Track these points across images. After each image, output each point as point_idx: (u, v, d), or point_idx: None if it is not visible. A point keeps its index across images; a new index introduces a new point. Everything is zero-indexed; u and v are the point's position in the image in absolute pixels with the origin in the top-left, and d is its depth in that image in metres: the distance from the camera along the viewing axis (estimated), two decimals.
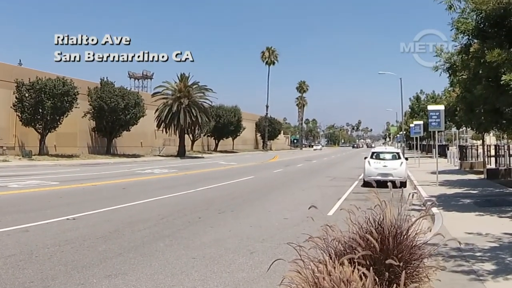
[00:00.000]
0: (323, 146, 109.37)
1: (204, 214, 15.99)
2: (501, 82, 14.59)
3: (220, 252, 10.51)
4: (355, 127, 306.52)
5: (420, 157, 53.32)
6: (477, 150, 41.61)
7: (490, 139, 64.89)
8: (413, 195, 7.47)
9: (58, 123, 52.89)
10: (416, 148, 73.20)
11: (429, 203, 7.68)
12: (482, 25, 16.85)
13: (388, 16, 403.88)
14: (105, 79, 62.49)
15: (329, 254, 6.19)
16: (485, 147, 37.80)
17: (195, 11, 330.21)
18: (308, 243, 6.24)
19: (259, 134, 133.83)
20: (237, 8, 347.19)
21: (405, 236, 6.48)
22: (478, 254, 9.74)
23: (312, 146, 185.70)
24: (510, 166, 29.01)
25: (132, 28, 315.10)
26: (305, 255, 5.89)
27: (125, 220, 14.58)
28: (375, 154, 28.10)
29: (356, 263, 5.60)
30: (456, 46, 18.89)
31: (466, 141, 72.60)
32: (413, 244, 6.46)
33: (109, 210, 16.45)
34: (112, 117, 60.25)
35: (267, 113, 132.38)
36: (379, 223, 6.56)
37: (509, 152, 31.13)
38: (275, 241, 11.66)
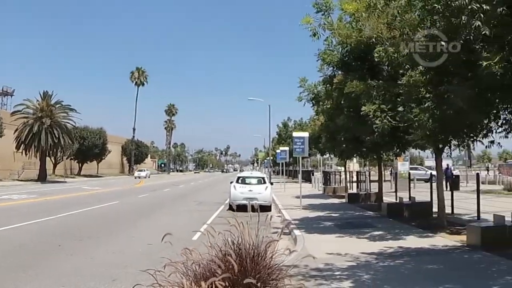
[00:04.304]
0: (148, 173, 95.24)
1: (65, 242, 15.30)
2: (361, 113, 15.52)
3: (81, 281, 10.20)
4: (224, 152, 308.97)
5: (286, 182, 54.66)
6: (340, 175, 43.39)
7: (354, 165, 67.92)
8: (271, 217, 7.72)
9: None
10: (283, 174, 75.09)
11: (283, 225, 7.99)
12: (346, 58, 17.84)
13: (261, 43, 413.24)
14: None
15: (190, 278, 6.30)
16: (347, 173, 39.65)
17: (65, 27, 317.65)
18: (172, 268, 6.29)
19: (125, 158, 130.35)
20: (108, 26, 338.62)
21: (263, 257, 6.72)
22: (337, 273, 10.27)
23: (182, 171, 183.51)
24: (370, 191, 30.60)
25: None
26: (164, 280, 5.96)
27: None
28: (240, 178, 28.47)
29: (215, 284, 5.78)
30: (321, 76, 19.72)
31: (331, 167, 75.52)
32: (271, 265, 6.72)
33: None
34: None
35: (134, 136, 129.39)
36: (238, 245, 6.76)
37: (369, 178, 32.93)
38: (138, 267, 11.48)
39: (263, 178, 29.03)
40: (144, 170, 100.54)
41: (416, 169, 55.68)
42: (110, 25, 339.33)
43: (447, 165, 43.14)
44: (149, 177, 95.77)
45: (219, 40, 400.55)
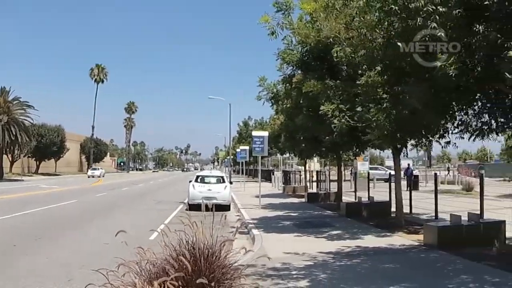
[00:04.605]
0: (102, 172, 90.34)
1: (20, 241, 14.96)
2: (320, 112, 15.56)
3: (36, 281, 9.98)
4: (184, 151, 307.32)
5: (246, 181, 54.60)
6: (300, 175, 43.51)
7: (315, 165, 68.30)
8: (225, 217, 7.69)
9: None
10: (243, 173, 75.03)
11: (238, 224, 8.00)
12: (306, 57, 17.88)
13: (222, 41, 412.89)
14: None
15: (143, 277, 6.24)
16: (307, 173, 39.82)
17: (21, 20, 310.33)
18: (127, 267, 6.23)
19: (84, 156, 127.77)
20: (67, 20, 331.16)
21: (217, 257, 6.69)
22: (294, 272, 10.28)
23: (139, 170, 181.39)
24: (329, 190, 30.76)
25: None
26: (118, 279, 5.87)
27: None
28: (199, 177, 28.35)
29: (167, 285, 5.72)
30: (280, 75, 19.73)
31: (292, 167, 75.75)
32: (226, 264, 6.69)
33: None
34: None
35: (93, 134, 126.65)
36: (192, 244, 6.72)
37: (329, 177, 33.12)
38: (94, 267, 11.28)
39: (222, 177, 28.92)
40: (98, 169, 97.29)
41: (376, 169, 56.27)
42: (68, 18, 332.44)
43: (408, 165, 43.76)
44: (103, 176, 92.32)
45: (181, 38, 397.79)
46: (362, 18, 9.88)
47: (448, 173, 62.91)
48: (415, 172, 47.27)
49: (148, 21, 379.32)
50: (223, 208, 23.93)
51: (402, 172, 35.33)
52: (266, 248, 13.17)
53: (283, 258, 11.69)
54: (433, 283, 9.44)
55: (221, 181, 27.78)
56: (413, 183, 32.85)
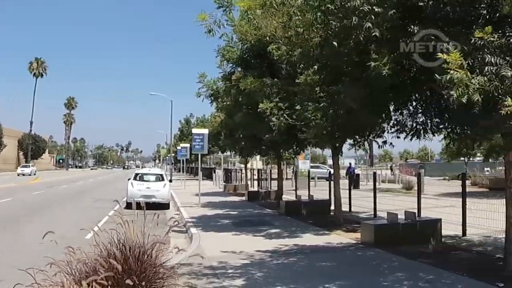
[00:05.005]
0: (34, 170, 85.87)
1: None
2: (258, 110, 15.53)
3: None
4: (125, 148, 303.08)
5: (187, 179, 54.25)
6: (241, 173, 43.56)
7: (257, 163, 68.45)
8: (158, 216, 7.60)
9: None
10: (184, 171, 74.60)
11: (171, 223, 7.89)
12: (246, 55, 17.83)
13: (164, 37, 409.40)
14: None
15: (73, 277, 6.11)
16: (248, 171, 39.87)
17: None
18: (58, 267, 6.09)
19: (22, 153, 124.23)
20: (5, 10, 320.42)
21: (149, 256, 6.61)
22: (230, 271, 10.25)
23: (81, 167, 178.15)
24: (270, 189, 30.85)
25: None
26: (48, 279, 5.70)
27: None
28: (138, 175, 27.95)
29: (95, 284, 5.61)
30: (220, 72, 19.63)
31: (234, 165, 75.77)
32: (157, 263, 6.61)
33: None
34: None
35: (31, 130, 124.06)
36: (123, 244, 6.62)
37: (271, 176, 33.20)
38: (27, 266, 10.94)
39: (161, 175, 28.58)
40: (29, 166, 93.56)
41: (317, 167, 56.91)
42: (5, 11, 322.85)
43: (350, 164, 44.39)
44: (34, 174, 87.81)
45: (122, 33, 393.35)
46: (300, 17, 9.84)
47: (392, 172, 64.10)
48: (357, 171, 47.93)
49: (89, 15, 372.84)
50: (162, 206, 23.74)
51: (344, 171, 35.85)
52: (204, 247, 13.09)
53: (220, 257, 11.65)
54: (368, 280, 9.54)
55: (160, 179, 27.44)
56: (354, 182, 33.32)
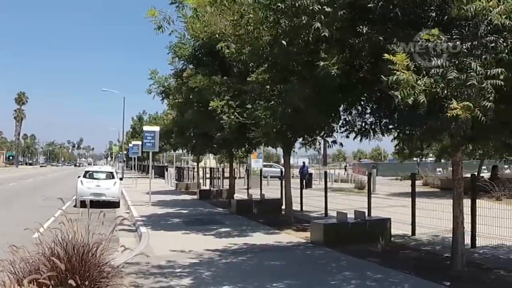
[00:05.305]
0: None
1: None
2: (209, 108, 15.43)
3: None
4: (77, 145, 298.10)
5: (139, 177, 53.74)
6: (194, 172, 43.22)
7: (211, 161, 68.21)
8: (103, 214, 7.50)
9: None
10: (136, 169, 73.82)
11: (116, 222, 7.79)
12: (198, 52, 17.68)
13: (117, 33, 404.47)
14: None
15: (17, 276, 5.99)
16: (201, 169, 39.67)
17: None
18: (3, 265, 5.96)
19: None
20: None
21: (94, 255, 6.52)
22: (178, 270, 10.18)
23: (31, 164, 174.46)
24: (222, 187, 30.79)
25: None
26: None
27: None
28: (88, 173, 27.33)
29: (37, 284, 5.49)
30: (172, 69, 19.45)
31: (187, 163, 75.29)
32: (103, 263, 6.53)
33: None
34: None
35: None
36: (67, 242, 6.52)
37: (223, 174, 33.14)
38: None
39: (111, 173, 28.03)
40: None
41: (271, 166, 56.94)
42: None
43: (303, 163, 44.55)
44: None
45: (76, 27, 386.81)
46: (251, 15, 9.80)
47: (346, 171, 64.73)
48: (311, 170, 48.18)
49: (43, 9, 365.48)
50: (113, 205, 23.42)
51: (297, 170, 35.98)
52: (153, 246, 12.99)
53: (168, 256, 11.57)
54: (316, 279, 9.57)
55: (111, 177, 26.94)
56: (308, 181, 33.54)
